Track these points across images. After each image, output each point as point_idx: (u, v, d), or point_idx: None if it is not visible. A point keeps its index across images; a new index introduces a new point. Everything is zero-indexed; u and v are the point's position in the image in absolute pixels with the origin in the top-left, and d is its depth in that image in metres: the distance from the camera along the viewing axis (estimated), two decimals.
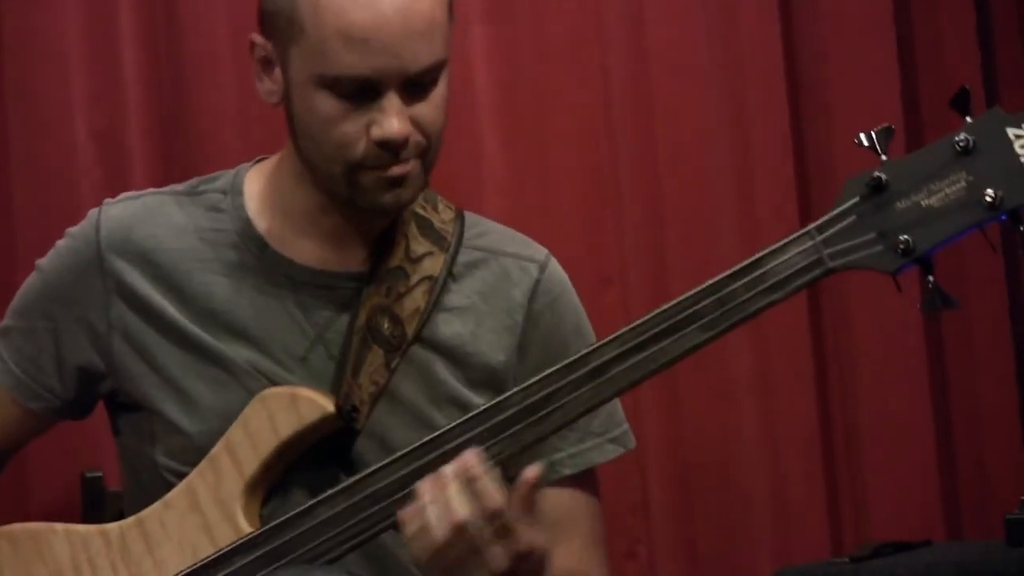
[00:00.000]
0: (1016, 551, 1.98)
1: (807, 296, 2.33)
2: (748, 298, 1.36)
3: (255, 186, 1.55)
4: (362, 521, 1.41)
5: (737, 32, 2.31)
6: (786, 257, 1.36)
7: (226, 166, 1.59)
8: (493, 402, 1.39)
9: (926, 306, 1.35)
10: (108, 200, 1.57)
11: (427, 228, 1.54)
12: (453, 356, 1.52)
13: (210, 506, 1.46)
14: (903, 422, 2.34)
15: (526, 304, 1.55)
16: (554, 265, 1.59)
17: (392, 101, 1.42)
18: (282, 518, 1.42)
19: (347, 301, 1.51)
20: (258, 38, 1.48)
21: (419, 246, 1.53)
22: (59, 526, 1.51)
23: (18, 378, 1.55)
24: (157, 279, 1.52)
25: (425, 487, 1.35)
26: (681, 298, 1.37)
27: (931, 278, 1.35)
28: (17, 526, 1.52)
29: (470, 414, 1.40)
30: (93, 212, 1.56)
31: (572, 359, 1.38)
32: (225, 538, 1.45)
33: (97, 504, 1.71)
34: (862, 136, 1.34)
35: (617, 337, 1.37)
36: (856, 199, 1.36)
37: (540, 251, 1.59)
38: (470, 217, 1.58)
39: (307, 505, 1.42)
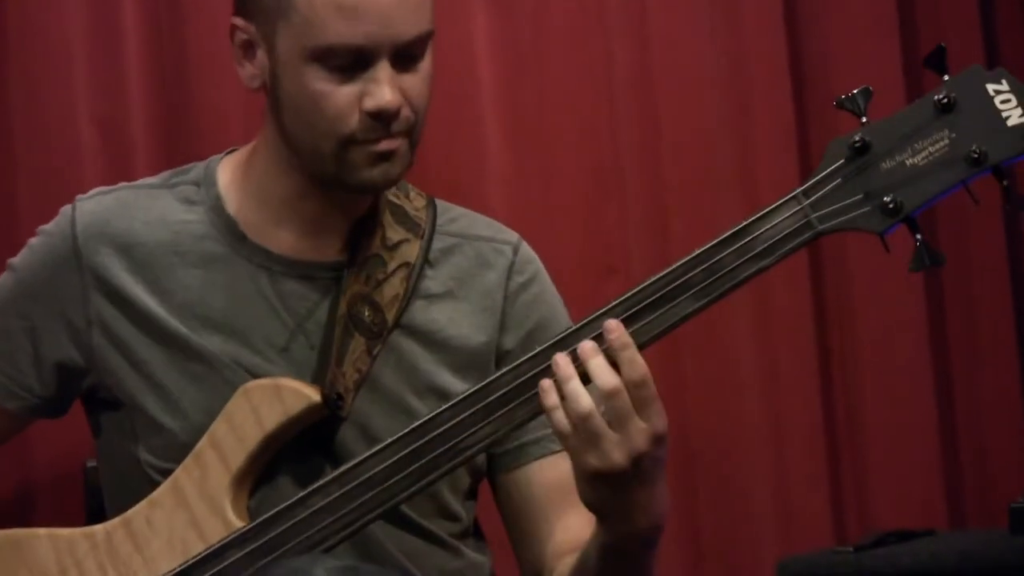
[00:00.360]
0: (1019, 539, 2.03)
1: (811, 286, 2.37)
2: (738, 265, 1.40)
3: (229, 177, 1.59)
4: (356, 509, 1.44)
5: (741, 24, 2.36)
6: (775, 222, 1.40)
7: None
8: (483, 383, 1.43)
9: (915, 264, 1.39)
10: (80, 196, 1.60)
11: (401, 215, 1.59)
12: (433, 342, 1.57)
13: (197, 501, 1.49)
14: (906, 412, 2.38)
15: (503, 284, 1.60)
16: (526, 247, 1.64)
17: (384, 70, 1.46)
18: (274, 510, 1.46)
19: (326, 290, 1.55)
20: (239, 21, 1.52)
21: (395, 233, 1.58)
22: (42, 531, 1.53)
23: None
24: (135, 273, 1.55)
25: (564, 359, 1.37)
26: (671, 268, 1.42)
27: (919, 236, 1.39)
28: None
29: (462, 395, 1.44)
30: (67, 208, 1.59)
31: (562, 335, 1.42)
32: (215, 533, 1.48)
33: (99, 494, 1.73)
34: (841, 99, 1.39)
35: (608, 310, 1.41)
36: (841, 161, 1.40)
37: (512, 234, 1.65)
38: (441, 204, 1.64)
39: (299, 496, 1.46)
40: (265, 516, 1.46)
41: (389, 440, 1.45)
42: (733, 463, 2.31)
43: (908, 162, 1.39)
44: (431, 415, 1.44)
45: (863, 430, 2.38)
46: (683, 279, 1.41)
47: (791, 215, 1.40)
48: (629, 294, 1.42)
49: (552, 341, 1.42)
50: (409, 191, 1.62)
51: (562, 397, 1.37)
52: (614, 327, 1.38)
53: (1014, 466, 2.38)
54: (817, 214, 1.40)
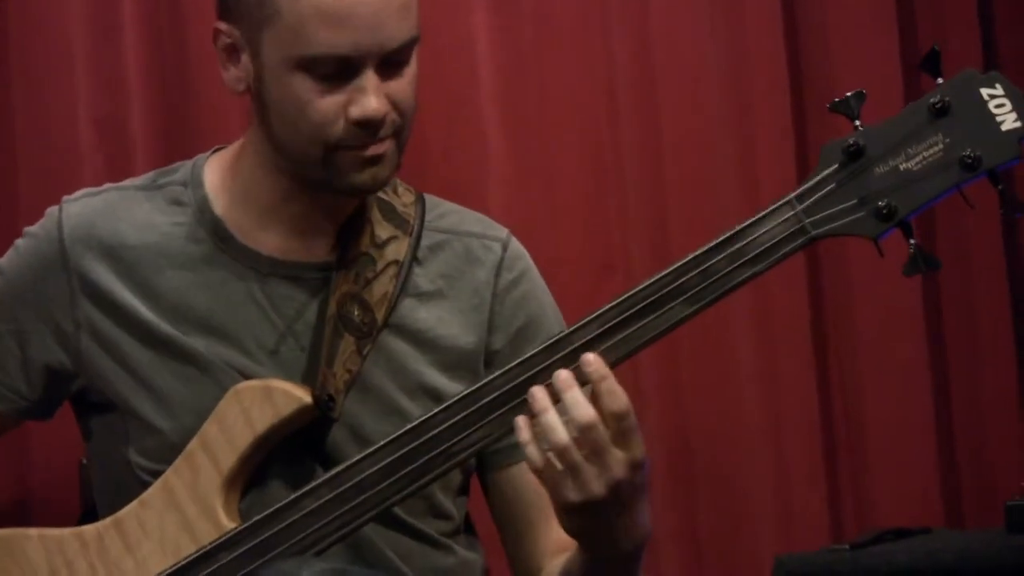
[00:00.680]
0: (1016, 538, 2.03)
1: (808, 284, 2.38)
2: (731, 270, 1.40)
3: (215, 177, 1.58)
4: (347, 512, 1.44)
5: (741, 21, 2.36)
6: (768, 227, 1.40)
7: None
8: (474, 387, 1.43)
9: (909, 269, 1.39)
10: (67, 197, 1.60)
11: (390, 212, 1.58)
12: (422, 341, 1.56)
13: (188, 503, 1.49)
14: (904, 410, 2.38)
15: (492, 281, 1.59)
16: (516, 243, 1.63)
17: (370, 79, 1.46)
18: (266, 512, 1.46)
19: (314, 291, 1.55)
20: (223, 25, 1.52)
21: (383, 231, 1.57)
22: (32, 531, 1.53)
23: None
24: (122, 275, 1.55)
25: (540, 392, 1.37)
26: (663, 273, 1.41)
27: (913, 241, 1.39)
28: None
29: (453, 399, 1.43)
30: (53, 210, 1.59)
31: (553, 339, 1.42)
32: (206, 534, 1.48)
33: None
34: (835, 102, 1.39)
35: (599, 315, 1.41)
36: (835, 166, 1.40)
37: (501, 230, 1.64)
38: (430, 199, 1.63)
39: (291, 498, 1.46)
40: (256, 518, 1.46)
41: (380, 443, 1.44)
42: (731, 461, 2.31)
43: (902, 167, 1.39)
44: (422, 418, 1.44)
45: (861, 429, 2.38)
46: (676, 284, 1.41)
47: (784, 220, 1.40)
48: (622, 298, 1.41)
49: (543, 345, 1.42)
50: (398, 187, 1.61)
51: (537, 430, 1.36)
52: (591, 360, 1.37)
53: (1011, 464, 2.38)
54: (811, 219, 1.40)
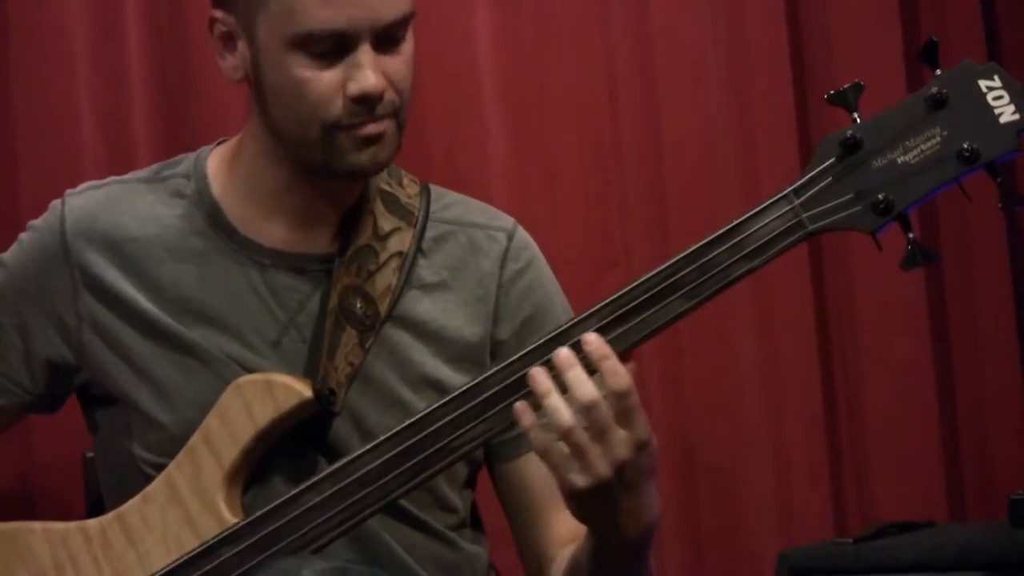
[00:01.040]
0: (1020, 531, 2.02)
1: (811, 279, 2.37)
2: (729, 264, 1.39)
3: (218, 169, 1.57)
4: (350, 506, 1.44)
5: (742, 16, 2.36)
6: (765, 222, 1.39)
7: None
8: (475, 381, 1.42)
9: (907, 262, 1.38)
10: (70, 191, 1.59)
11: (394, 204, 1.57)
12: (426, 334, 1.56)
13: (191, 497, 1.49)
14: (907, 404, 2.38)
15: (497, 272, 1.58)
16: (522, 233, 1.62)
17: (366, 54, 1.45)
18: (268, 507, 1.45)
19: (317, 283, 1.54)
20: (218, 13, 1.51)
21: (387, 222, 1.56)
22: (36, 525, 1.53)
23: None
24: (124, 268, 1.54)
25: (542, 375, 1.35)
26: (661, 268, 1.40)
27: (911, 235, 1.38)
28: None
29: (453, 393, 1.43)
30: (56, 203, 1.58)
31: (552, 334, 1.41)
32: (208, 529, 1.48)
33: (99, 485, 1.73)
34: (832, 92, 1.38)
35: (597, 310, 1.40)
36: (832, 160, 1.39)
37: (507, 220, 1.63)
38: (435, 190, 1.62)
39: (292, 493, 1.45)
40: (258, 513, 1.46)
41: (382, 437, 1.44)
42: (733, 456, 2.31)
43: (900, 160, 1.37)
44: (423, 412, 1.43)
45: (863, 422, 2.38)
46: (673, 279, 1.40)
47: (782, 214, 1.39)
48: (620, 293, 1.40)
49: (543, 339, 1.41)
50: (402, 178, 1.60)
51: (541, 413, 1.35)
52: (592, 339, 1.36)
53: (1014, 458, 2.38)
54: (808, 213, 1.39)
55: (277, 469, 1.51)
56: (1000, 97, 1.36)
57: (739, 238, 1.39)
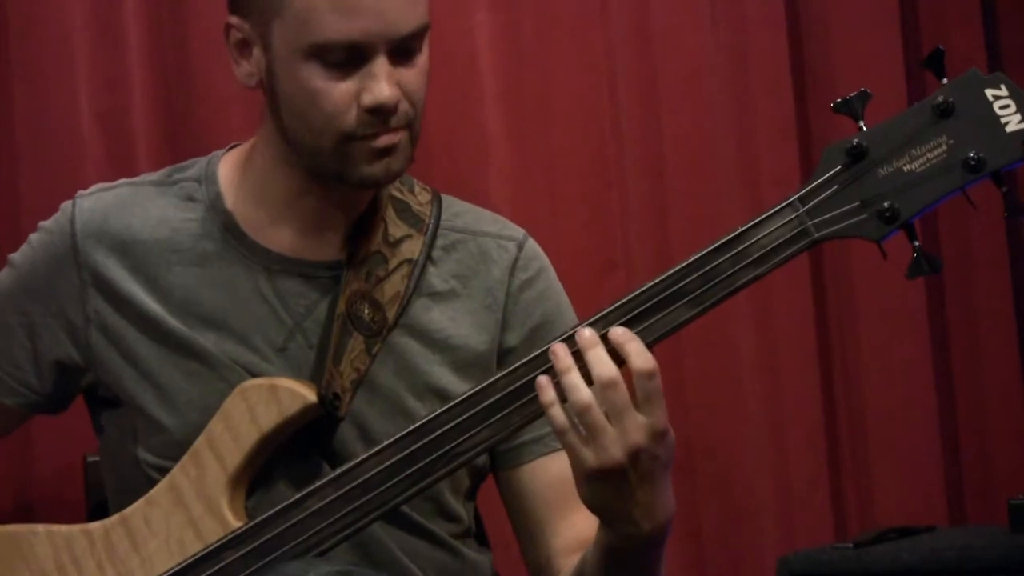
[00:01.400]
0: (1020, 536, 2.02)
1: (811, 282, 2.36)
2: (734, 272, 1.38)
3: (230, 173, 1.57)
4: (352, 511, 1.43)
5: (742, 16, 2.35)
6: (770, 229, 1.38)
7: None
8: (479, 387, 1.41)
9: (912, 271, 1.37)
10: (81, 192, 1.59)
11: (404, 211, 1.57)
12: (434, 342, 1.55)
13: (194, 501, 1.49)
14: (907, 408, 2.37)
15: (506, 281, 1.58)
16: (532, 243, 1.62)
17: (381, 66, 1.44)
18: (271, 511, 1.44)
19: (325, 289, 1.54)
20: (234, 19, 1.51)
21: (397, 229, 1.56)
22: (40, 527, 1.53)
23: None
24: (133, 271, 1.54)
25: (563, 351, 1.35)
26: (666, 275, 1.39)
27: (916, 244, 1.37)
28: None
29: (456, 399, 1.42)
30: (67, 205, 1.58)
31: (559, 339, 1.39)
32: (212, 533, 1.47)
33: (99, 488, 1.72)
34: (838, 101, 1.37)
35: (603, 316, 1.39)
36: (838, 167, 1.38)
37: (518, 230, 1.62)
38: (447, 199, 1.61)
39: (295, 498, 1.44)
40: (261, 518, 1.45)
41: (385, 443, 1.43)
42: (734, 460, 2.30)
43: (905, 168, 1.37)
44: (427, 418, 1.42)
45: (864, 427, 2.37)
46: (678, 286, 1.39)
47: (787, 222, 1.38)
48: (624, 300, 1.39)
49: (547, 347, 1.39)
50: (414, 186, 1.60)
51: (560, 389, 1.34)
52: (617, 327, 1.35)
53: (1015, 463, 2.38)
54: (813, 221, 1.38)
55: (281, 474, 1.50)
56: (1006, 106, 1.35)
57: (744, 245, 1.38)
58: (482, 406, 1.40)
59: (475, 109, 2.24)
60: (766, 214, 1.38)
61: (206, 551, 1.46)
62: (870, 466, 2.36)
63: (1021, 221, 2.42)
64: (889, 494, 2.34)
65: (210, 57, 2.11)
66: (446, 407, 1.42)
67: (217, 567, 1.45)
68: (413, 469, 1.42)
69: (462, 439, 1.41)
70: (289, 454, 1.50)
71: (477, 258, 1.58)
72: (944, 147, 1.36)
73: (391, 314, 1.53)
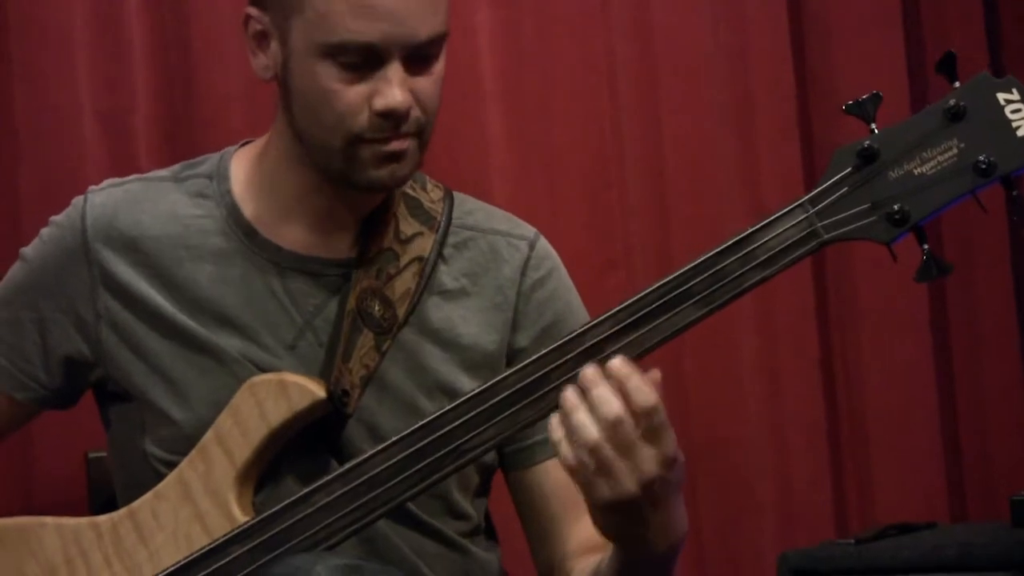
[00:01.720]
0: (1021, 532, 2.02)
1: (812, 280, 2.36)
2: (742, 273, 1.37)
3: (241, 170, 1.56)
4: (360, 507, 1.42)
5: (743, 14, 2.34)
6: (780, 230, 1.37)
7: None
8: (487, 384, 1.40)
9: (921, 275, 1.37)
10: (92, 187, 1.58)
11: (416, 208, 1.56)
12: (444, 340, 1.54)
13: (202, 496, 1.48)
14: (908, 405, 2.37)
15: (517, 280, 1.57)
16: (544, 243, 1.61)
17: (396, 71, 1.44)
18: (278, 506, 1.44)
19: (335, 287, 1.53)
20: (254, 11, 1.50)
21: (408, 227, 1.55)
22: (48, 520, 1.52)
23: (4, 369, 1.57)
24: (144, 267, 1.53)
25: (570, 392, 1.34)
26: (675, 274, 1.38)
27: (926, 247, 1.37)
28: (4, 521, 1.54)
29: (465, 396, 1.41)
30: (78, 200, 1.57)
31: (566, 339, 1.39)
32: (219, 527, 1.47)
33: (102, 485, 1.72)
34: (851, 103, 1.36)
35: (611, 316, 1.38)
36: (848, 169, 1.37)
37: (529, 229, 1.61)
38: (459, 196, 1.60)
39: (303, 493, 1.43)
40: (268, 512, 1.44)
41: (393, 439, 1.42)
42: (736, 457, 2.30)
43: (916, 171, 1.36)
44: (435, 415, 1.41)
45: (865, 424, 2.37)
46: (687, 286, 1.38)
47: (797, 223, 1.37)
48: (634, 299, 1.38)
49: (556, 344, 1.39)
50: (426, 183, 1.59)
51: (568, 429, 1.33)
52: (616, 362, 1.34)
53: (1015, 459, 2.38)
54: (823, 223, 1.37)
55: (289, 470, 1.49)
56: (1018, 110, 1.35)
57: (753, 246, 1.37)
58: (491, 403, 1.40)
59: (475, 108, 2.23)
60: (775, 215, 1.38)
61: (213, 545, 1.45)
62: (871, 465, 2.36)
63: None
64: (890, 492, 2.34)
65: (211, 57, 2.10)
66: (454, 404, 1.41)
67: (224, 561, 1.44)
68: (421, 465, 1.41)
69: (470, 436, 1.40)
70: (297, 450, 1.49)
71: (488, 256, 1.57)
72: (955, 150, 1.35)
73: (401, 311, 1.52)
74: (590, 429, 1.32)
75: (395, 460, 1.41)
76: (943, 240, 2.35)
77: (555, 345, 1.39)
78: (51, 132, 2.06)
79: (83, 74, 2.07)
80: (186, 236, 1.53)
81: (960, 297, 2.41)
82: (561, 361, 1.38)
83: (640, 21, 2.32)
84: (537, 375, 1.39)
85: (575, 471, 1.33)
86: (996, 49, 2.44)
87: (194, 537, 1.47)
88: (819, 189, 1.38)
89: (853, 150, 1.37)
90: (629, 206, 2.31)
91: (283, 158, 1.53)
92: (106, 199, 1.56)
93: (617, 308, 1.38)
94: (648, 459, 1.32)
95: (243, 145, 1.59)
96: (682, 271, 1.38)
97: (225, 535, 1.45)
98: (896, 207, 1.36)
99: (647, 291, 1.38)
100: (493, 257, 1.57)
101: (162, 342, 1.52)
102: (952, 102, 1.35)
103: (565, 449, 1.33)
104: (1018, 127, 1.34)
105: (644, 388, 1.32)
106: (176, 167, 1.59)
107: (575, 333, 1.39)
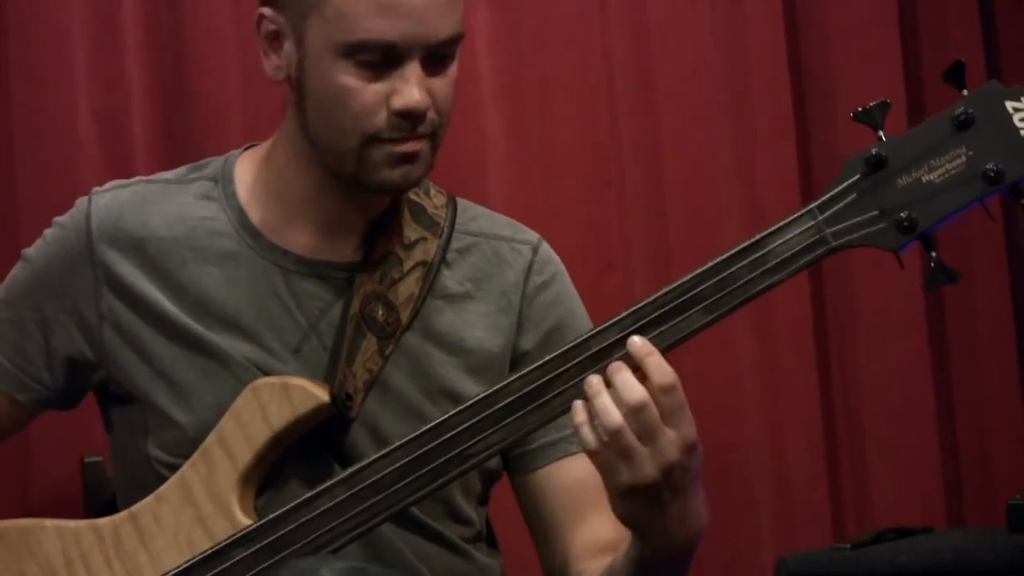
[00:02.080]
0: (1018, 537, 2.01)
1: (809, 281, 2.35)
2: (750, 279, 1.37)
3: (246, 173, 1.55)
4: (363, 511, 1.41)
5: (740, 15, 2.34)
6: (788, 237, 1.37)
7: (228, 150, 1.59)
8: (492, 390, 1.40)
9: (929, 282, 1.36)
10: (97, 188, 1.57)
11: (420, 214, 1.55)
12: (447, 344, 1.53)
13: (204, 499, 1.47)
14: (905, 409, 2.37)
15: (521, 284, 1.56)
16: (546, 248, 1.60)
17: (414, 70, 1.43)
18: (281, 510, 1.43)
19: (340, 290, 1.52)
20: (268, 11, 1.48)
21: (412, 232, 1.54)
22: (48, 522, 1.51)
23: (7, 370, 1.56)
24: (148, 269, 1.52)
25: (594, 378, 1.34)
26: (682, 280, 1.38)
27: (934, 254, 1.36)
28: (5, 523, 1.52)
29: (470, 401, 1.40)
30: (82, 201, 1.56)
31: (572, 344, 1.38)
32: (221, 531, 1.45)
33: (97, 490, 1.71)
34: (859, 110, 1.36)
35: (618, 321, 1.37)
36: (856, 176, 1.37)
37: (532, 235, 1.61)
38: (462, 202, 1.60)
39: (306, 497, 1.42)
40: (271, 516, 1.43)
41: (397, 443, 1.41)
42: (733, 461, 2.29)
43: (924, 179, 1.36)
44: (440, 420, 1.40)
45: (862, 427, 2.37)
46: (694, 292, 1.37)
47: (805, 230, 1.37)
48: (639, 305, 1.38)
49: (561, 350, 1.38)
50: (429, 188, 1.58)
51: (591, 413, 1.32)
52: (636, 340, 1.34)
53: (1013, 464, 2.37)
54: (831, 230, 1.37)
55: (292, 473, 1.48)
56: None
57: (761, 252, 1.37)
58: (496, 408, 1.39)
59: (473, 109, 2.22)
60: (784, 221, 1.37)
61: (215, 548, 1.44)
62: (868, 467, 2.35)
63: (1019, 223, 2.42)
64: (887, 495, 2.34)
65: (209, 58, 2.09)
66: (460, 408, 1.40)
67: (226, 564, 1.43)
68: (425, 470, 1.40)
69: (475, 441, 1.39)
70: (300, 454, 1.48)
71: (492, 261, 1.56)
72: (963, 158, 1.35)
73: (405, 316, 1.51)
74: (613, 414, 1.31)
75: (399, 464, 1.41)
76: (940, 241, 2.35)
77: (561, 350, 1.38)
78: (48, 133, 2.04)
79: (80, 75, 2.05)
80: (191, 238, 1.52)
81: (957, 299, 2.41)
82: (567, 367, 1.38)
83: (638, 22, 2.31)
84: (542, 380, 1.38)
85: (596, 455, 1.33)
86: (993, 51, 2.44)
87: (196, 540, 1.46)
88: (827, 196, 1.37)
89: (862, 157, 1.36)
90: (626, 207, 2.30)
91: (291, 160, 1.51)
92: (111, 200, 1.55)
93: (623, 314, 1.38)
94: (669, 444, 1.32)
95: (247, 148, 1.58)
96: (689, 277, 1.38)
97: (228, 538, 1.44)
98: (904, 215, 1.35)
99: (654, 296, 1.38)
100: (497, 262, 1.56)
101: (166, 345, 1.51)
102: (960, 110, 1.35)
103: (587, 432, 1.33)
104: None
105: (664, 366, 1.32)
106: (181, 169, 1.58)
107: (581, 339, 1.38)
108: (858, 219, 1.36)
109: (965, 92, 1.36)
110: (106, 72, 2.07)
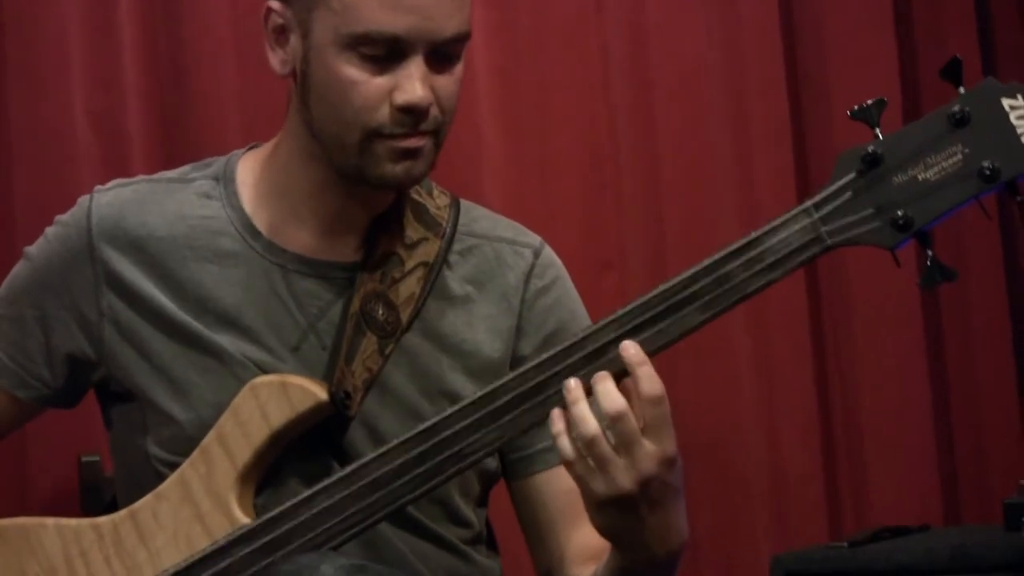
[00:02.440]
0: (1014, 536, 2.01)
1: (806, 280, 2.35)
2: (747, 277, 1.36)
3: (248, 173, 1.55)
4: (362, 510, 1.41)
5: (736, 16, 2.33)
6: (784, 235, 1.36)
7: (225, 151, 1.59)
8: (489, 388, 1.39)
9: (925, 281, 1.35)
10: (99, 187, 1.57)
11: (422, 214, 1.55)
12: (447, 345, 1.53)
13: (203, 497, 1.46)
14: (902, 407, 2.36)
15: (521, 287, 1.56)
16: (548, 251, 1.60)
17: (418, 66, 1.42)
18: (280, 508, 1.42)
19: (340, 290, 1.51)
20: (275, 5, 1.48)
21: (414, 232, 1.53)
22: (49, 520, 1.51)
23: (7, 367, 1.56)
24: (148, 267, 1.52)
25: (574, 383, 1.33)
26: (678, 278, 1.37)
27: (930, 252, 1.36)
28: (6, 521, 1.52)
29: (467, 400, 1.40)
30: (84, 199, 1.56)
31: (568, 343, 1.38)
32: (220, 529, 1.45)
33: (95, 489, 1.71)
34: (856, 108, 1.35)
35: (615, 319, 1.37)
36: (852, 175, 1.36)
37: (535, 238, 1.60)
38: (465, 204, 1.59)
39: (305, 495, 1.42)
40: (270, 515, 1.43)
41: (395, 442, 1.41)
42: (729, 459, 2.29)
43: (920, 176, 1.35)
44: (437, 418, 1.40)
45: (859, 426, 2.36)
46: (690, 290, 1.36)
47: (801, 228, 1.36)
48: (635, 304, 1.37)
49: (558, 349, 1.38)
50: (432, 189, 1.57)
51: (569, 421, 1.32)
52: (629, 345, 1.33)
53: (1009, 462, 2.37)
54: (827, 228, 1.36)
55: (291, 472, 1.48)
56: (1023, 116, 1.34)
57: (757, 251, 1.36)
58: (493, 407, 1.38)
59: (470, 109, 2.22)
60: (780, 220, 1.36)
61: (215, 547, 1.43)
62: (865, 465, 2.35)
63: (1016, 221, 2.42)
64: (884, 493, 2.33)
65: (205, 57, 2.08)
66: (457, 407, 1.40)
67: (226, 562, 1.43)
68: (423, 468, 1.40)
69: (472, 439, 1.39)
70: (299, 453, 1.48)
71: (493, 264, 1.56)
72: (959, 156, 1.34)
73: (405, 315, 1.51)
74: (589, 423, 1.31)
75: (397, 463, 1.40)
76: (936, 239, 2.34)
77: (558, 349, 1.38)
78: (44, 133, 2.04)
79: (76, 74, 2.05)
80: (192, 237, 1.52)
81: (953, 296, 2.41)
82: (563, 365, 1.37)
83: (635, 23, 2.31)
84: (539, 379, 1.38)
85: (572, 464, 1.32)
86: (989, 51, 2.44)
87: (195, 538, 1.45)
88: (823, 194, 1.36)
89: (857, 155, 1.36)
90: (623, 208, 2.30)
91: (294, 156, 1.51)
92: (113, 199, 1.54)
93: (620, 312, 1.37)
94: (647, 457, 1.31)
95: (251, 148, 1.58)
96: (686, 275, 1.37)
97: (227, 536, 1.44)
98: (900, 212, 1.34)
99: (650, 295, 1.37)
100: (498, 264, 1.56)
101: (166, 343, 1.50)
102: (957, 108, 1.34)
103: (564, 443, 1.32)
104: (1023, 133, 1.33)
105: (654, 377, 1.31)
106: (183, 168, 1.58)
107: (578, 337, 1.38)
108: (854, 217, 1.35)
109: (961, 89, 1.35)
110: (103, 72, 2.07)
